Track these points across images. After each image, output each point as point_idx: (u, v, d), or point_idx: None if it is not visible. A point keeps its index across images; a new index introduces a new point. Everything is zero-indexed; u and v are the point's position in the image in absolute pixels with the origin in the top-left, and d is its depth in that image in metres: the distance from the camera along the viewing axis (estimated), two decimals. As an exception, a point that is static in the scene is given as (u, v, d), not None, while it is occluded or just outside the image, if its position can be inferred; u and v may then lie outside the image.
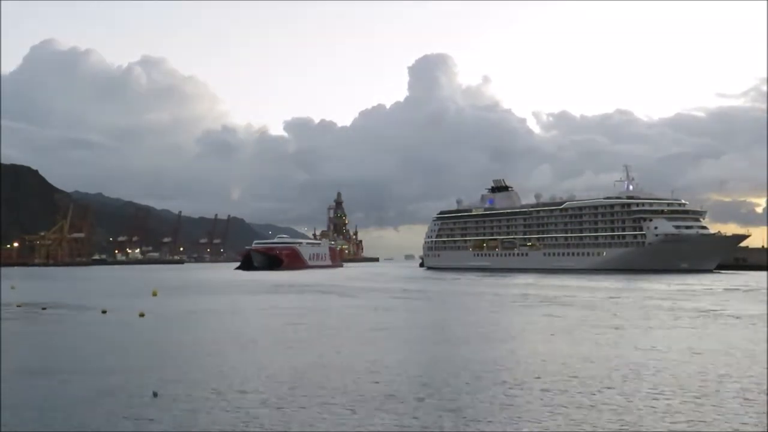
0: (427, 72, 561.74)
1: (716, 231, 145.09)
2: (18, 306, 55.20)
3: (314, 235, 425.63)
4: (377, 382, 21.25)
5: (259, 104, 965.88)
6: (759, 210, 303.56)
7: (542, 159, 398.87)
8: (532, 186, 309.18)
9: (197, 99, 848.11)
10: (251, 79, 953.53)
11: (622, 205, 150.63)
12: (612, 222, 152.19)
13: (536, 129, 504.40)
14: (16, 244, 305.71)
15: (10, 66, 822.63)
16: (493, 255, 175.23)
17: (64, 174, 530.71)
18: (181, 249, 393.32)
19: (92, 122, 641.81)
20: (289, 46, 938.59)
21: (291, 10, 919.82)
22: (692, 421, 16.63)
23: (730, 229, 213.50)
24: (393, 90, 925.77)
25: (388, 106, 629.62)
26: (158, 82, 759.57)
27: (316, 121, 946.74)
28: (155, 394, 19.39)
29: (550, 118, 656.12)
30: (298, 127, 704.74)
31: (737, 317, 41.96)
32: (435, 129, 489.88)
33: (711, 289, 73.73)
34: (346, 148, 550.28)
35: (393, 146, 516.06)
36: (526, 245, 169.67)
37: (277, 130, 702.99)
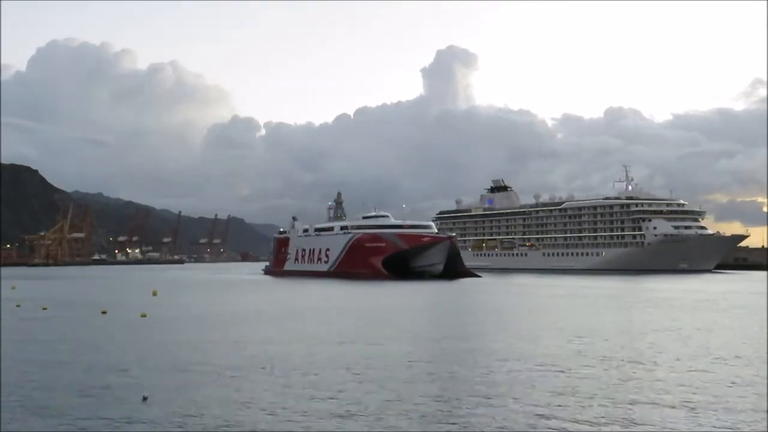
0: (442, 70, 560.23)
1: (715, 231, 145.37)
2: (17, 306, 55.21)
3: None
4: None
5: (273, 107, 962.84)
6: (765, 209, 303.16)
7: (559, 160, 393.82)
8: (547, 186, 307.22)
9: (212, 104, 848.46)
10: (267, 83, 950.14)
11: (621, 205, 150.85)
12: (611, 222, 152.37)
13: (543, 131, 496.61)
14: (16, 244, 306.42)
15: (24, 62, 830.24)
16: (492, 255, 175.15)
17: (65, 174, 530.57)
18: (181, 249, 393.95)
19: (101, 122, 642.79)
20: (306, 50, 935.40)
21: (312, 11, 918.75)
22: None
23: (734, 228, 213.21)
24: (404, 89, 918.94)
25: (400, 105, 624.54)
26: (178, 86, 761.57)
27: (324, 120, 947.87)
28: (145, 399, 19.45)
29: (554, 121, 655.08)
30: (306, 127, 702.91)
31: None
32: (449, 128, 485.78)
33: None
34: (354, 147, 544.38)
35: (404, 144, 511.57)
36: (525, 245, 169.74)
37: (286, 131, 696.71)
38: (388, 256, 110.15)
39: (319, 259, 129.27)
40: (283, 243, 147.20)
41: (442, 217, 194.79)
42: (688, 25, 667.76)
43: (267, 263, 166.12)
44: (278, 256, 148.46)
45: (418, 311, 53.54)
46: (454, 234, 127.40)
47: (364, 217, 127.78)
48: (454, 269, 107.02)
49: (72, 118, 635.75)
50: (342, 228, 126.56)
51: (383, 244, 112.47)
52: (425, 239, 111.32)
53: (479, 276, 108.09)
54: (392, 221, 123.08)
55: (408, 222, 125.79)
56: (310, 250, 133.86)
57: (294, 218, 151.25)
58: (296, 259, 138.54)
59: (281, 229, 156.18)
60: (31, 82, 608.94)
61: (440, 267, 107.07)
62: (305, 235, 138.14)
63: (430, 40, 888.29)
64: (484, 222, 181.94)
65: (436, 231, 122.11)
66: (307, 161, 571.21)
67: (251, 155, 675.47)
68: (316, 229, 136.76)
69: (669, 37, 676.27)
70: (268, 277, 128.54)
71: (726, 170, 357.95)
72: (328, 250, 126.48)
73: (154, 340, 33.81)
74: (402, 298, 66.66)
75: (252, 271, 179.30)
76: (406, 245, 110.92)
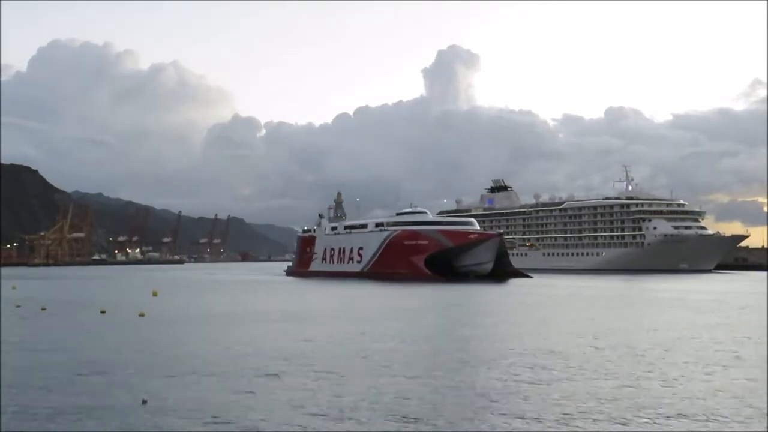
0: (443, 71, 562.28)
1: (715, 231, 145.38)
2: (17, 306, 55.10)
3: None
4: None
5: (274, 107, 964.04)
6: (766, 209, 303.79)
7: (560, 160, 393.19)
8: (548, 186, 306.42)
9: (214, 104, 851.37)
10: (268, 83, 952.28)
11: (622, 205, 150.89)
12: (611, 222, 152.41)
13: (543, 131, 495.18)
14: (15, 244, 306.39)
15: (24, 63, 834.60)
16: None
17: (65, 174, 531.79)
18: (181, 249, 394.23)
19: (102, 122, 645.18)
20: (307, 49, 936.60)
21: (313, 11, 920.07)
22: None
23: (734, 228, 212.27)
24: (406, 89, 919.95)
25: (401, 105, 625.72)
26: (180, 87, 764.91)
27: (325, 120, 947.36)
28: (144, 402, 19.40)
29: (554, 121, 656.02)
30: (307, 127, 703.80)
31: None
32: (450, 128, 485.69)
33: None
34: (355, 147, 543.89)
35: (405, 144, 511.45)
36: (525, 245, 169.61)
37: (286, 131, 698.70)
38: (430, 255, 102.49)
39: (351, 258, 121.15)
40: (308, 242, 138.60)
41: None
42: (688, 25, 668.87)
43: (266, 262, 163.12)
44: (303, 255, 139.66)
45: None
46: (502, 231, 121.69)
47: (398, 213, 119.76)
48: (502, 269, 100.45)
49: (73, 119, 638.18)
50: (377, 225, 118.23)
51: (425, 242, 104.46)
52: (472, 236, 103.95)
53: (530, 276, 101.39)
54: (431, 217, 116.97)
55: (448, 218, 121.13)
56: (339, 249, 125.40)
57: (320, 215, 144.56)
58: (324, 259, 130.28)
59: (305, 227, 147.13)
60: (31, 82, 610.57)
61: (489, 266, 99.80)
62: (334, 233, 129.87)
63: (431, 41, 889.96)
64: (484, 222, 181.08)
65: (479, 228, 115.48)
66: (308, 161, 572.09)
67: (252, 155, 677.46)
68: (346, 227, 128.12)
69: (669, 37, 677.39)
70: (293, 279, 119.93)
71: (727, 170, 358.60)
72: (360, 248, 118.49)
73: (154, 341, 33.73)
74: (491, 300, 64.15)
75: (250, 270, 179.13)
76: (452, 243, 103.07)
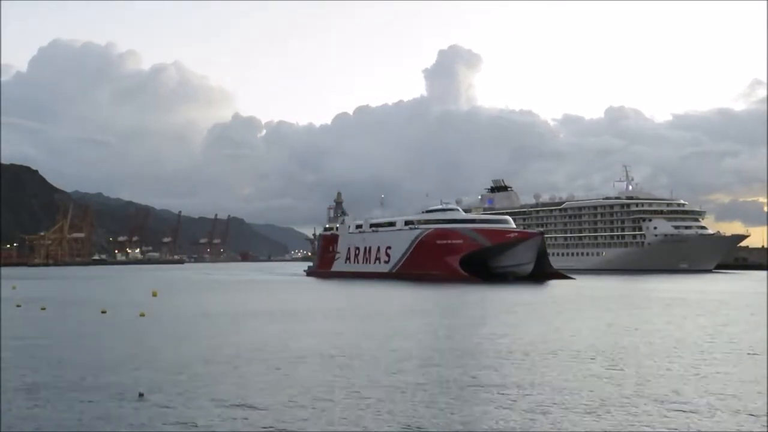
0: (444, 71, 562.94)
1: (716, 231, 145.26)
2: (18, 306, 55.00)
3: (314, 235, 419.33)
4: None
5: (275, 107, 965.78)
6: (766, 209, 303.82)
7: (560, 160, 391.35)
8: (549, 186, 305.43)
9: (215, 104, 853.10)
10: (269, 83, 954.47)
11: (622, 205, 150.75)
12: (611, 222, 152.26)
13: (544, 131, 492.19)
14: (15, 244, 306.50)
15: (25, 63, 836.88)
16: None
17: (65, 174, 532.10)
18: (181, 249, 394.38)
19: (102, 122, 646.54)
20: (308, 49, 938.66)
21: (314, 11, 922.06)
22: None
23: (734, 228, 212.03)
24: (406, 89, 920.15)
25: (401, 104, 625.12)
26: (181, 87, 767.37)
27: (326, 120, 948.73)
28: (141, 395, 19.39)
29: (555, 121, 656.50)
30: (307, 127, 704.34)
31: None
32: (450, 128, 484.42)
33: None
34: (355, 146, 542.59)
35: (405, 144, 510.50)
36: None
37: (287, 130, 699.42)
38: (465, 255, 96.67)
39: (378, 258, 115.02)
40: (330, 241, 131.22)
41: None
42: (688, 25, 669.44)
43: (266, 262, 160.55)
44: (325, 255, 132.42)
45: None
46: (542, 230, 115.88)
47: (427, 211, 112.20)
48: (541, 270, 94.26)
49: (73, 119, 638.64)
50: (406, 222, 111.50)
51: (460, 241, 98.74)
52: (511, 235, 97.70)
53: (573, 278, 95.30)
54: (463, 215, 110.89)
55: (482, 216, 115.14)
56: (365, 248, 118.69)
57: (344, 212, 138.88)
58: (347, 259, 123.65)
59: (327, 225, 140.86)
60: (31, 82, 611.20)
61: (529, 267, 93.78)
62: (359, 232, 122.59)
63: (432, 40, 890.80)
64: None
65: (515, 226, 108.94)
66: (308, 161, 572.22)
67: (252, 155, 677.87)
68: (372, 225, 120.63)
69: (669, 37, 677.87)
70: (316, 280, 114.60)
71: (727, 170, 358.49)
72: (389, 248, 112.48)
73: (154, 339, 33.73)
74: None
75: (254, 270, 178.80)
76: (489, 242, 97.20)
